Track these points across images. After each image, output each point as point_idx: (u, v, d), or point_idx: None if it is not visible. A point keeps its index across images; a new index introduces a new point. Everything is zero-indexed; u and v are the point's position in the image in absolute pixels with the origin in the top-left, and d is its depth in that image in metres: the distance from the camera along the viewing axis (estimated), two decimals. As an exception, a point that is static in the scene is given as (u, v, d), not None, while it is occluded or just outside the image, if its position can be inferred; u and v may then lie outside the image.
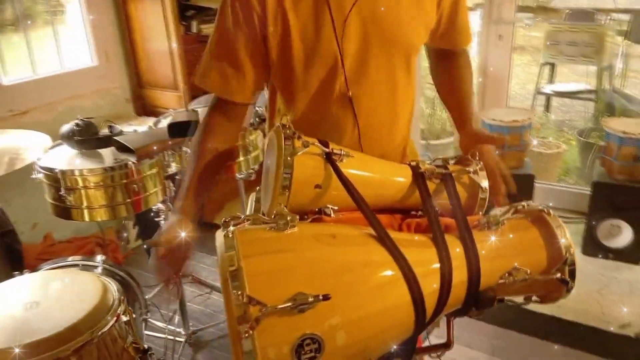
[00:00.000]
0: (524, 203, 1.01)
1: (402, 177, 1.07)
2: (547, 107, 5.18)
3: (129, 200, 1.62)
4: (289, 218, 0.89)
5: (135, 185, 1.59)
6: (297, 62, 1.15)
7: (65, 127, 1.71)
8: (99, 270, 1.73)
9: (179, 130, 1.48)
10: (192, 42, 3.08)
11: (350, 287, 0.84)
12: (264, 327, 0.77)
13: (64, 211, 1.65)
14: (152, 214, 1.94)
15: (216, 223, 3.13)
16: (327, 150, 1.00)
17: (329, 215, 1.00)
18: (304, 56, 1.14)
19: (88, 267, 1.78)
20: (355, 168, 1.02)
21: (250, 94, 1.19)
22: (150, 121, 2.40)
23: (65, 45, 2.92)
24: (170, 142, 1.59)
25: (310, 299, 0.78)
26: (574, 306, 2.26)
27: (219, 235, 0.88)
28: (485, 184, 1.08)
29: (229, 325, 0.80)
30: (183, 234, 1.06)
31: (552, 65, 5.22)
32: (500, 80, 3.03)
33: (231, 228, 0.86)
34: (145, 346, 1.19)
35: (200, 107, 2.09)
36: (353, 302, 0.83)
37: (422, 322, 0.90)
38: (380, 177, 1.07)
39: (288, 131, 0.99)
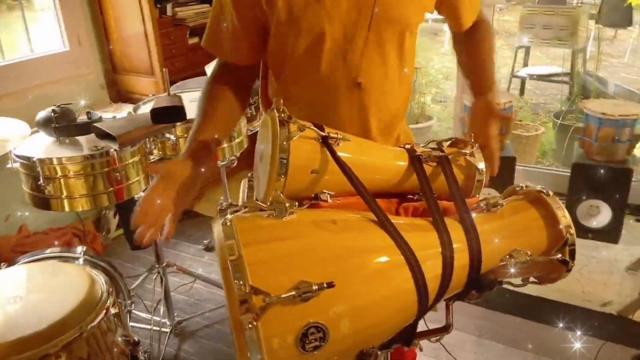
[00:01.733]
0: (522, 185, 1.00)
1: (398, 161, 1.05)
2: (522, 90, 5.24)
3: (110, 189, 1.56)
4: (287, 204, 0.87)
5: (117, 174, 1.53)
6: (282, 35, 1.12)
7: (42, 114, 1.64)
8: (80, 261, 1.68)
9: (162, 116, 1.42)
10: (167, 25, 3.00)
11: (353, 273, 0.82)
12: (268, 317, 0.75)
13: (42, 201, 1.58)
14: (134, 203, 1.89)
15: (196, 211, 3.07)
16: (323, 134, 0.97)
17: (326, 200, 0.98)
18: (289, 29, 1.11)
19: (68, 259, 1.72)
20: (352, 152, 1.00)
21: (246, 56, 1.18)
22: (128, 108, 2.33)
23: (35, 30, 2.80)
24: (153, 129, 1.53)
25: (315, 287, 0.76)
26: (556, 286, 2.27)
27: (217, 223, 0.85)
28: (482, 165, 1.07)
29: (231, 316, 0.77)
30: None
31: (527, 49, 5.28)
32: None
33: (229, 216, 0.83)
34: (136, 339, 1.15)
35: (180, 92, 2.03)
36: (357, 289, 0.81)
37: (425, 307, 0.89)
38: (377, 161, 1.04)
39: (283, 115, 0.96)
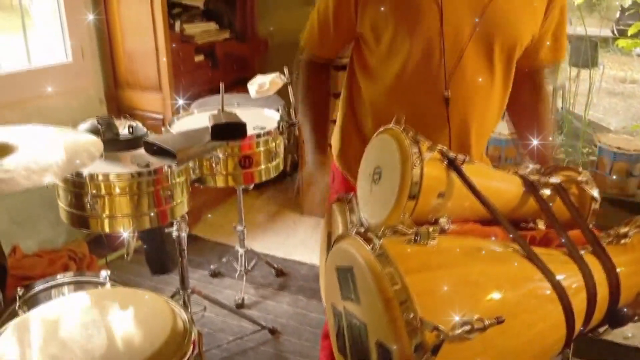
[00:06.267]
0: (646, 215, 0.97)
1: (513, 187, 1.00)
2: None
3: (155, 210, 1.44)
4: (430, 230, 0.80)
5: (168, 192, 1.41)
6: (391, 49, 1.08)
7: (85, 126, 1.51)
8: (108, 287, 1.54)
9: (223, 132, 1.33)
10: (175, 41, 2.90)
11: (516, 307, 0.76)
12: (439, 356, 0.67)
13: (81, 220, 1.42)
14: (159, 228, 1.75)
15: (195, 234, 2.92)
16: (450, 155, 0.91)
17: (447, 227, 0.92)
18: (399, 43, 1.07)
19: (93, 285, 1.59)
20: (475, 175, 0.94)
21: (334, 51, 1.27)
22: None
23: (34, 40, 2.65)
24: (209, 146, 1.42)
25: (487, 323, 0.69)
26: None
27: (355, 246, 0.77)
28: (596, 193, 1.03)
29: (398, 354, 0.69)
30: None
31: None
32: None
33: (377, 241, 0.76)
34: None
35: (204, 111, 1.93)
36: (520, 323, 0.75)
37: (568, 344, 0.84)
38: (497, 185, 0.99)
39: (410, 133, 0.90)
